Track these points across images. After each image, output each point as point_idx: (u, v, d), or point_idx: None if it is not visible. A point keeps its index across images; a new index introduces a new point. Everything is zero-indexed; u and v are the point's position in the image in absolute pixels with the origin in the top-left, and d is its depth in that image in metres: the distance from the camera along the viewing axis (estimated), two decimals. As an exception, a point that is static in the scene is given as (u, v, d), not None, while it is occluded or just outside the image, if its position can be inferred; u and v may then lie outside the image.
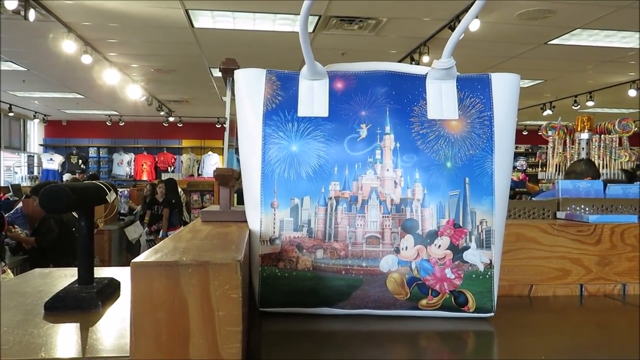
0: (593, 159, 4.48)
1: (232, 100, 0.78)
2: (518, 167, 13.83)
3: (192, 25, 5.43)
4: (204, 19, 5.27)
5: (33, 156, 13.00)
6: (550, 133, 4.85)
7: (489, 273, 0.70)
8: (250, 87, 0.73)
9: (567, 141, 4.84)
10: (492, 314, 0.72)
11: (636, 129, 4.61)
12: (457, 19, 5.00)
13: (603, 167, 4.46)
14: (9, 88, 9.05)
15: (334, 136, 0.71)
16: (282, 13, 5.03)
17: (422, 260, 0.69)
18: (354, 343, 0.67)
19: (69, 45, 5.36)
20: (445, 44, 0.71)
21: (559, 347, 0.69)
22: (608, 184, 1.12)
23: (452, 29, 5.18)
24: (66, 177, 10.95)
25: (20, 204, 4.94)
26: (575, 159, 4.43)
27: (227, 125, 0.91)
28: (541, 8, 4.76)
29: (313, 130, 0.71)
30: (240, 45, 6.17)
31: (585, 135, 4.64)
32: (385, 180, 0.70)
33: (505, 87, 0.74)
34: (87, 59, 5.88)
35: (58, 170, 12.64)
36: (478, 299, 0.71)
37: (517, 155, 14.07)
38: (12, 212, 4.76)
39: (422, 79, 0.74)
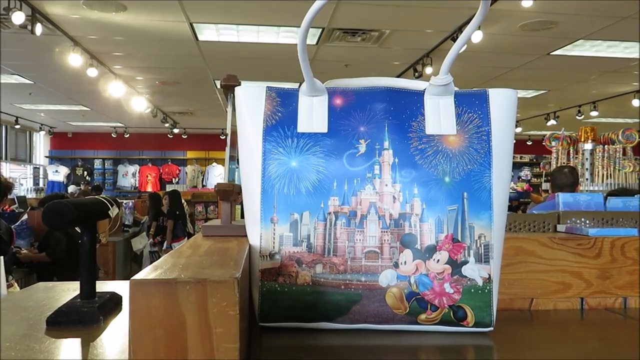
0: (597, 169, 4.47)
1: (233, 114, 0.79)
2: (523, 177, 13.80)
3: (197, 39, 5.48)
4: (208, 32, 5.33)
5: (39, 168, 13.08)
6: (553, 143, 4.86)
7: (488, 287, 0.70)
8: (251, 104, 0.74)
9: (571, 151, 4.84)
10: (491, 328, 0.72)
11: (640, 139, 4.60)
12: (460, 30, 5.03)
13: (607, 177, 4.45)
14: (16, 101, 9.14)
15: (333, 152, 0.71)
16: (285, 26, 5.08)
17: (421, 275, 0.70)
18: (353, 358, 0.67)
19: (74, 59, 5.42)
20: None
21: (559, 361, 0.69)
22: (608, 197, 1.12)
23: (455, 40, 5.20)
24: (71, 188, 11.00)
25: (25, 216, 4.96)
26: (556, 168, 4.29)
27: (228, 140, 0.92)
28: (543, 19, 4.78)
29: (312, 146, 0.72)
30: (244, 57, 6.23)
31: (589, 146, 4.64)
32: (384, 195, 0.70)
33: (502, 103, 0.74)
34: (92, 72, 5.94)
35: (63, 182, 12.71)
36: (477, 314, 0.71)
37: (521, 165, 14.04)
38: (17, 223, 4.78)
39: (420, 94, 0.75)
